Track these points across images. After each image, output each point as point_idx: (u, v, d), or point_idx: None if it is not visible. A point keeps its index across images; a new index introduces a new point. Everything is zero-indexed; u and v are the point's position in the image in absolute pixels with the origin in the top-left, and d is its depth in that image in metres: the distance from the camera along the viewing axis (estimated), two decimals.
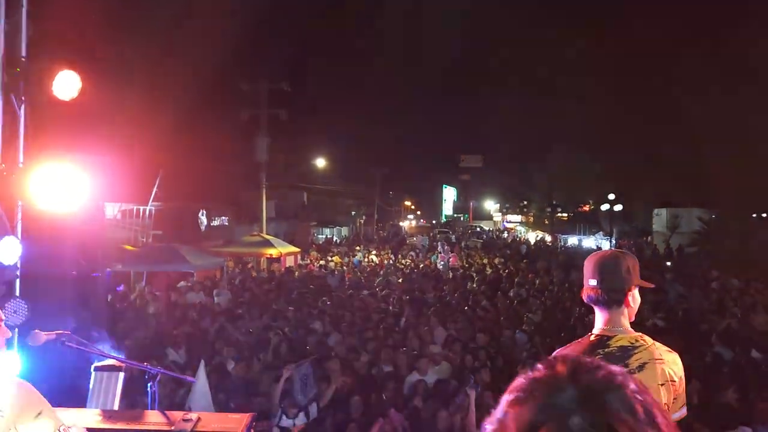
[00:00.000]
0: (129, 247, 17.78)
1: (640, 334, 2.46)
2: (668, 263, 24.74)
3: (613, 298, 2.44)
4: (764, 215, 29.45)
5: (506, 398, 0.85)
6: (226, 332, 10.13)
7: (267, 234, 23.60)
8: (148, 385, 3.18)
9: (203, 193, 27.11)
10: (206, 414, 3.07)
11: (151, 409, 3.17)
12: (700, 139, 29.82)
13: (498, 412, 0.84)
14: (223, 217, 27.65)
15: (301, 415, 6.18)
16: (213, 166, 27.94)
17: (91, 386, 3.27)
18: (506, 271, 21.35)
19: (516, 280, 18.36)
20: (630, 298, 2.46)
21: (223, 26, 27.33)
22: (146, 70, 23.70)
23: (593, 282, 2.48)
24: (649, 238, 38.11)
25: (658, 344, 2.44)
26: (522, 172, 61.29)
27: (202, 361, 5.95)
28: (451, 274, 20.88)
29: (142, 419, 2.98)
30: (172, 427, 2.89)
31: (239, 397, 6.39)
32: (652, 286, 2.65)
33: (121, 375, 3.27)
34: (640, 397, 0.82)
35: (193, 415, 3.00)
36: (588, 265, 2.54)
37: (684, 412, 2.43)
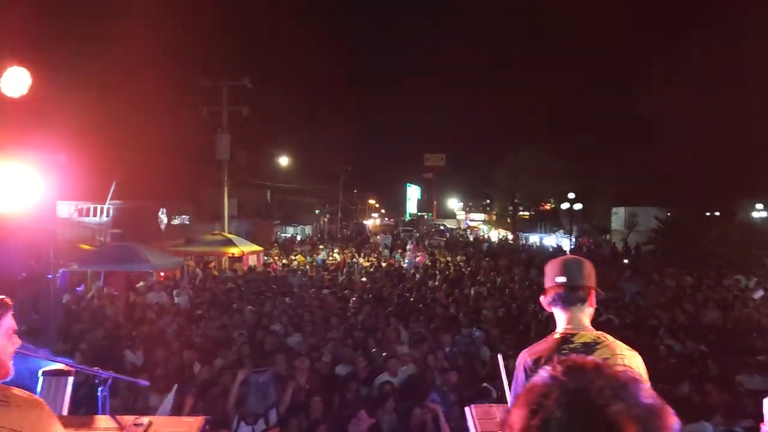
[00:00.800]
0: (85, 247, 17.39)
1: (602, 332, 2.57)
2: (626, 261, 25.37)
3: (579, 296, 2.57)
4: (717, 214, 30.34)
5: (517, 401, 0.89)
6: (186, 333, 10.01)
7: (229, 233, 23.31)
8: (99, 389, 3.12)
9: (163, 191, 26.66)
10: (158, 418, 3.03)
11: (102, 413, 3.11)
12: (657, 141, 30.66)
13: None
14: (184, 216, 27.21)
15: (261, 422, 6.09)
16: (173, 163, 27.53)
17: (39, 392, 3.19)
18: (468, 269, 21.57)
19: (478, 278, 18.60)
20: (593, 298, 2.59)
21: (183, 22, 26.92)
22: (103, 66, 23.25)
23: (561, 279, 2.59)
24: (608, 236, 38.94)
25: (618, 342, 2.54)
26: (484, 171, 62.00)
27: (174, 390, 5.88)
28: (414, 273, 20.98)
29: (91, 424, 2.91)
30: None
31: (201, 401, 6.29)
32: (603, 294, 2.76)
33: (70, 380, 3.19)
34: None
35: (145, 420, 2.95)
36: (554, 266, 2.66)
37: None
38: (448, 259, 26.50)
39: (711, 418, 5.78)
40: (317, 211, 56.25)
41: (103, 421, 2.97)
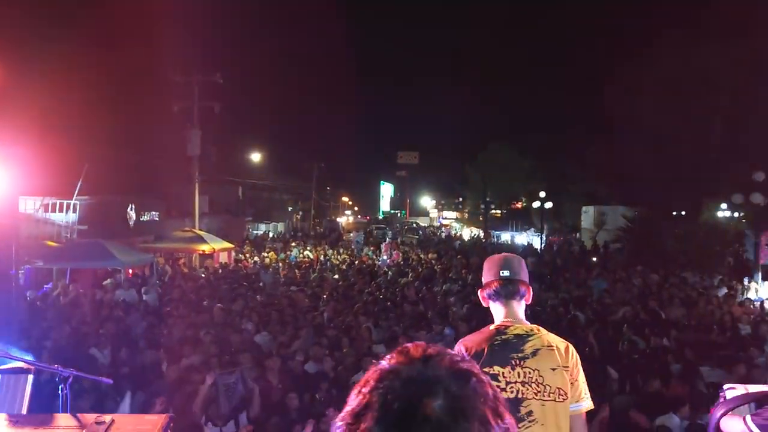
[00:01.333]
0: (51, 243, 17.02)
1: (536, 325, 2.67)
2: (594, 259, 25.77)
3: (520, 291, 2.68)
4: (683, 213, 30.95)
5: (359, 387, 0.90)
6: (154, 331, 9.89)
7: (199, 229, 23.07)
8: (59, 387, 3.06)
9: (132, 186, 26.26)
10: (121, 416, 2.98)
11: (63, 412, 3.06)
12: (625, 142, 31.17)
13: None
14: (154, 212, 26.84)
15: (230, 424, 6.04)
16: (143, 159, 27.13)
17: None
18: (440, 266, 21.70)
19: (450, 275, 18.74)
20: (529, 294, 2.72)
21: (155, 15, 26.53)
22: (71, 59, 22.78)
23: (506, 273, 2.69)
24: (578, 234, 39.49)
25: (551, 334, 2.64)
26: (457, 170, 62.38)
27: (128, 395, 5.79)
28: (386, 270, 21.03)
29: (51, 423, 2.86)
30: (84, 431, 2.80)
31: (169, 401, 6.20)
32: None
33: (30, 378, 3.13)
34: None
35: (107, 418, 2.90)
36: (494, 262, 2.77)
37: (589, 404, 2.58)
38: (421, 256, 26.62)
39: (678, 410, 5.92)
40: (290, 209, 56.01)
41: (63, 419, 2.92)
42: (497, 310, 2.70)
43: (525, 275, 2.72)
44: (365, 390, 0.87)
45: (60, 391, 3.07)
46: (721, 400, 2.95)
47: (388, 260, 24.96)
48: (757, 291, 16.17)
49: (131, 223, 23.64)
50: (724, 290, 16.06)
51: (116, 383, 6.96)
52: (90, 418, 2.93)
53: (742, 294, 15.72)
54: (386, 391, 0.85)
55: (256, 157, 43.06)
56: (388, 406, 0.83)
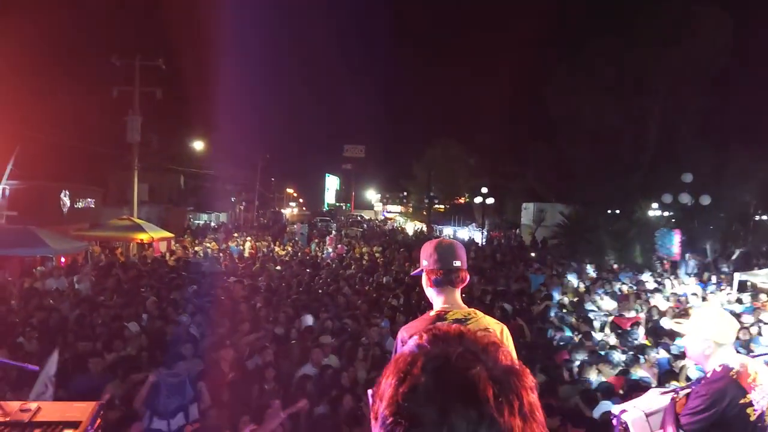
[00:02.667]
0: None
1: (473, 309, 2.74)
2: (533, 254, 26.45)
3: (464, 278, 2.75)
4: (618, 211, 32.08)
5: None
6: (86, 321, 9.60)
7: (138, 218, 22.43)
8: None
9: (67, 172, 25.31)
10: (47, 403, 2.92)
11: None
12: (564, 141, 32.08)
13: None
14: (90, 199, 25.93)
15: (180, 416, 5.97)
16: (79, 144, 26.15)
17: None
18: (383, 259, 21.85)
19: (392, 267, 18.92)
20: (466, 279, 2.78)
21: None
22: (5, 34, 21.71)
23: (457, 263, 2.73)
24: (518, 230, 40.40)
25: (487, 317, 2.72)
26: (402, 165, 62.78)
27: (56, 352, 5.59)
28: (329, 262, 21.03)
29: None
30: (8, 418, 2.73)
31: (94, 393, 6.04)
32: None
33: None
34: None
35: (33, 405, 2.84)
36: (444, 249, 2.77)
37: None
38: (364, 249, 26.71)
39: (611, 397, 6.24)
40: (233, 199, 55.04)
41: None
42: (438, 296, 2.75)
43: (463, 261, 2.77)
44: (415, 372, 0.88)
45: None
46: (619, 428, 3.05)
47: (332, 253, 24.95)
48: (684, 285, 16.95)
49: (65, 210, 22.79)
50: (653, 285, 16.82)
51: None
52: (15, 405, 2.86)
53: (670, 289, 16.48)
54: (436, 370, 0.88)
55: (199, 145, 42.12)
56: (443, 385, 0.86)
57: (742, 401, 2.82)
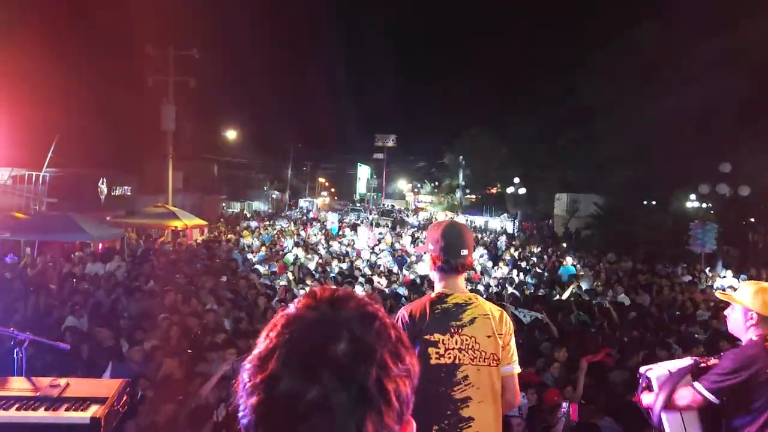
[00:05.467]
0: (19, 215, 16.71)
1: (474, 294, 2.78)
2: (564, 244, 26.18)
3: (469, 265, 2.80)
4: (654, 203, 31.50)
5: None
6: (121, 305, 9.84)
7: (173, 206, 22.83)
8: (15, 351, 3.08)
9: (105, 160, 25.84)
10: (76, 380, 3.02)
11: (18, 375, 3.08)
12: (599, 130, 31.53)
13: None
14: (126, 187, 26.45)
15: (221, 406, 5.85)
16: (117, 132, 26.69)
17: None
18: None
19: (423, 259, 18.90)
20: (471, 264, 2.83)
21: None
22: (44, 28, 22.26)
23: (465, 252, 2.73)
24: (550, 221, 39.97)
25: (488, 303, 2.76)
26: (434, 154, 62.52)
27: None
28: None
29: (5, 385, 2.89)
30: (38, 393, 2.83)
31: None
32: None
33: None
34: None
35: (62, 381, 2.94)
36: (453, 236, 2.75)
37: (517, 368, 2.71)
38: (394, 239, 26.73)
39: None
40: (266, 187, 55.63)
41: (18, 382, 2.95)
42: (440, 281, 2.76)
43: (469, 248, 2.77)
44: (272, 334, 0.89)
45: (15, 355, 3.09)
46: (644, 384, 3.18)
47: (364, 243, 24.96)
48: (721, 279, 16.56)
49: (102, 197, 23.30)
50: (689, 278, 16.50)
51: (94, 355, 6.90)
52: (45, 381, 2.97)
53: (706, 282, 16.14)
54: (292, 334, 0.87)
55: (232, 134, 42.65)
56: (293, 349, 0.85)
57: None
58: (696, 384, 2.95)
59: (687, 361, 3.16)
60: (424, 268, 2.98)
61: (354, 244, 24.45)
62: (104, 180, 23.10)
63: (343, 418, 0.81)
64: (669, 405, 3.02)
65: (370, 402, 0.83)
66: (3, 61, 18.31)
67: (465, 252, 2.72)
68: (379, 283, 13.27)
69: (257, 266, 15.25)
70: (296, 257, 17.64)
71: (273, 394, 0.83)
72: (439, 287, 2.75)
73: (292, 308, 0.93)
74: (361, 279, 13.31)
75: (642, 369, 3.25)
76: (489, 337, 2.61)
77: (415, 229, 32.89)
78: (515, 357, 2.70)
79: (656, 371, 3.15)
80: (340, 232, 29.65)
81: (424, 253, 2.84)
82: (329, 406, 0.81)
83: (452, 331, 2.59)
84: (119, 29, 26.52)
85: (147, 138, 27.47)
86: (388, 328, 0.91)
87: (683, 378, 3.06)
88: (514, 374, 2.68)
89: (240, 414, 0.86)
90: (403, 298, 11.15)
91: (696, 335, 8.84)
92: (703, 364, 3.09)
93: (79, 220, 15.55)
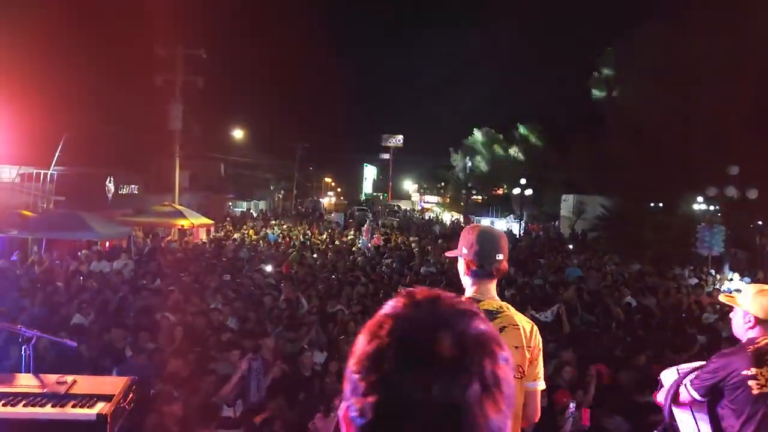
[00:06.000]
0: (27, 213, 16.82)
1: (506, 303, 2.69)
2: (570, 246, 26.10)
3: (503, 270, 2.70)
4: (660, 205, 31.34)
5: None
6: (128, 302, 9.87)
7: (180, 205, 22.91)
8: (23, 348, 3.10)
9: (112, 159, 25.95)
10: (83, 377, 3.04)
11: (25, 372, 3.10)
12: (605, 131, 31.38)
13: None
14: (133, 186, 26.60)
15: (239, 402, 5.99)
16: (124, 131, 26.79)
17: None
18: (417, 249, 21.87)
19: (427, 257, 18.90)
20: (503, 270, 2.72)
21: None
22: (51, 27, 22.36)
23: (500, 257, 2.66)
24: (557, 222, 39.84)
25: (519, 314, 2.67)
26: (440, 155, 62.51)
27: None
28: (364, 252, 21.12)
29: (12, 382, 2.91)
30: (45, 390, 2.85)
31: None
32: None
33: None
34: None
35: (68, 378, 2.96)
36: (489, 240, 2.69)
37: (542, 384, 2.65)
38: (400, 239, 26.75)
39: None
40: (272, 187, 55.69)
41: (25, 379, 2.97)
42: (472, 286, 2.68)
43: (504, 253, 2.69)
44: (382, 333, 0.89)
45: (23, 352, 3.11)
46: (661, 384, 3.29)
47: (368, 243, 25.00)
48: (728, 282, 16.49)
49: (110, 195, 23.44)
50: (695, 280, 16.43)
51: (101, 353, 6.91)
52: (52, 378, 2.99)
53: (713, 285, 16.07)
54: (403, 332, 0.88)
55: (238, 134, 42.71)
56: (408, 347, 0.86)
57: (745, 373, 2.89)
58: (686, 381, 3.04)
59: (698, 364, 3.21)
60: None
61: (359, 243, 24.49)
62: (111, 178, 23.24)
63: (467, 410, 0.83)
64: (675, 402, 3.09)
65: (488, 391, 0.86)
66: (11, 61, 18.41)
67: (501, 257, 2.64)
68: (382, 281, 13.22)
69: (262, 265, 15.26)
70: (302, 256, 17.68)
71: (393, 392, 0.84)
72: (470, 292, 2.66)
73: (392, 307, 0.95)
74: (363, 279, 13.29)
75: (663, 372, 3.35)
76: (517, 348, 2.52)
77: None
78: (542, 373, 2.63)
79: (668, 372, 3.24)
80: (346, 231, 29.68)
81: (457, 256, 2.73)
82: (453, 399, 0.83)
83: None
84: (127, 29, 26.61)
85: (154, 137, 27.56)
86: (486, 320, 0.95)
87: (687, 377, 3.12)
88: (538, 390, 2.61)
89: (353, 414, 0.88)
90: None
91: (698, 336, 8.85)
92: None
93: (87, 219, 15.63)
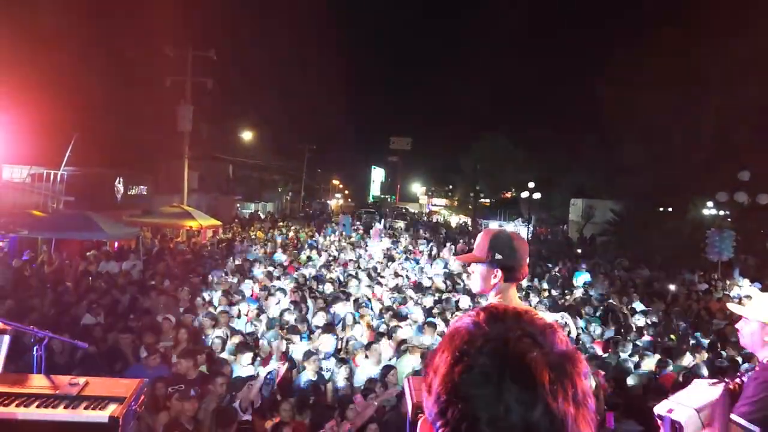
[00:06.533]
0: (37, 213, 16.90)
1: (529, 308, 2.61)
2: (579, 250, 26.00)
3: (518, 273, 2.61)
4: (670, 209, 31.20)
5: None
6: (137, 303, 9.90)
7: (188, 206, 22.98)
8: (35, 348, 3.11)
9: (121, 160, 26.04)
10: (95, 379, 3.04)
11: (38, 373, 3.11)
12: (615, 136, 31.25)
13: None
14: (142, 187, 26.69)
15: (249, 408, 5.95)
16: (133, 132, 26.90)
17: None
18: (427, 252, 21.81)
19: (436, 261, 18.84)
20: (525, 273, 2.66)
21: None
22: (62, 28, 22.49)
23: (527, 260, 2.63)
24: (565, 226, 39.71)
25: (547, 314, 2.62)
26: (449, 158, 62.47)
27: None
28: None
29: (25, 383, 2.91)
30: (57, 391, 2.85)
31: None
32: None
33: (6, 338, 3.17)
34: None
35: (81, 380, 2.96)
36: (519, 246, 2.60)
37: None
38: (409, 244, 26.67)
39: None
40: (280, 189, 55.78)
41: (37, 380, 2.97)
42: (498, 293, 2.57)
43: (523, 256, 2.61)
44: (470, 351, 0.89)
45: (35, 352, 3.12)
46: (668, 430, 2.83)
47: (380, 239, 24.86)
48: (738, 288, 16.35)
49: (119, 196, 23.53)
50: (705, 286, 16.33)
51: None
52: (64, 379, 2.98)
53: (723, 290, 15.96)
54: (492, 351, 0.88)
55: (247, 136, 42.81)
56: (499, 367, 0.86)
57: None
58: (734, 417, 2.68)
59: (712, 393, 2.83)
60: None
61: (366, 247, 24.42)
62: (121, 179, 23.32)
63: (565, 428, 0.84)
64: None
65: (580, 407, 0.86)
66: (23, 62, 18.54)
67: (522, 259, 2.56)
68: (385, 285, 13.13)
69: (269, 267, 15.26)
70: (310, 258, 17.68)
71: (488, 414, 0.84)
72: (493, 298, 2.56)
73: (472, 323, 0.95)
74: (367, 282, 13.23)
75: (660, 409, 2.89)
76: None
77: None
78: None
79: (683, 414, 2.78)
80: (353, 234, 29.61)
81: (484, 261, 2.60)
82: (551, 418, 0.84)
83: None
84: (138, 31, 26.73)
85: (163, 138, 27.66)
86: (565, 336, 0.95)
87: (724, 414, 2.72)
88: None
89: (439, 427, 0.88)
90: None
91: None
92: (731, 385, 2.80)
93: (96, 219, 15.68)
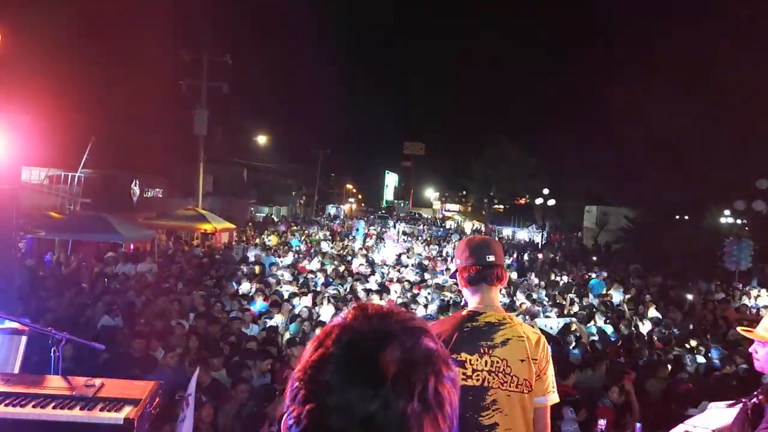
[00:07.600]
0: (54, 215, 17.08)
1: (510, 314, 2.60)
2: (594, 258, 25.80)
3: (501, 276, 2.60)
4: (686, 217, 30.90)
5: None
6: (152, 306, 9.95)
7: (203, 209, 23.12)
8: (52, 349, 3.13)
9: (137, 163, 26.24)
10: (111, 380, 3.05)
11: (54, 374, 3.12)
12: (631, 143, 31.05)
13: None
14: (157, 189, 26.87)
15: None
16: (149, 135, 27.12)
17: None
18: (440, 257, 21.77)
19: (448, 268, 18.80)
20: (505, 278, 2.65)
21: None
22: (81, 31, 22.77)
23: (491, 258, 2.58)
24: (580, 233, 39.46)
25: (524, 324, 2.59)
26: (462, 163, 62.34)
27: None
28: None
29: (42, 384, 2.93)
30: (73, 392, 2.86)
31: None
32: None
33: (23, 338, 3.19)
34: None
35: (97, 381, 2.97)
36: (476, 245, 2.66)
37: (555, 398, 2.51)
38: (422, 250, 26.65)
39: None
40: (294, 193, 55.97)
41: (54, 380, 2.99)
42: (473, 296, 2.60)
43: (500, 259, 2.64)
44: (328, 343, 0.90)
45: (52, 353, 3.13)
46: None
47: (395, 243, 24.83)
48: (757, 297, 16.12)
49: (135, 198, 23.69)
50: (722, 295, 16.12)
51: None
52: (80, 381, 3.00)
53: (740, 299, 15.76)
54: (347, 343, 0.89)
55: (262, 140, 43.02)
56: (351, 358, 0.88)
57: None
58: None
59: (728, 415, 2.66)
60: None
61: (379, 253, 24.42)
62: (137, 182, 23.48)
63: (404, 425, 0.84)
64: None
65: (428, 408, 0.86)
66: (41, 65, 18.77)
67: (492, 258, 2.57)
68: (395, 291, 13.10)
69: (282, 271, 15.30)
70: (321, 262, 17.72)
71: (332, 402, 0.85)
72: (472, 304, 2.58)
73: (342, 318, 0.96)
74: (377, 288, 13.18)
75: None
76: (522, 361, 2.42)
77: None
78: (552, 387, 2.50)
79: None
80: (366, 240, 29.64)
81: (455, 273, 2.68)
82: (390, 413, 0.84)
83: (482, 351, 2.41)
84: (155, 35, 26.98)
85: (179, 141, 27.87)
86: (434, 340, 0.94)
87: None
88: (548, 406, 2.49)
89: (290, 422, 0.88)
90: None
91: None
92: (748, 406, 2.55)
93: (113, 221, 15.83)
